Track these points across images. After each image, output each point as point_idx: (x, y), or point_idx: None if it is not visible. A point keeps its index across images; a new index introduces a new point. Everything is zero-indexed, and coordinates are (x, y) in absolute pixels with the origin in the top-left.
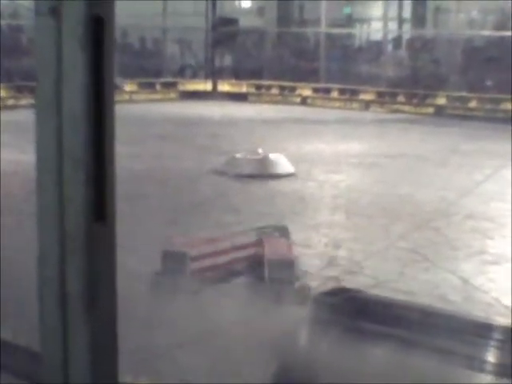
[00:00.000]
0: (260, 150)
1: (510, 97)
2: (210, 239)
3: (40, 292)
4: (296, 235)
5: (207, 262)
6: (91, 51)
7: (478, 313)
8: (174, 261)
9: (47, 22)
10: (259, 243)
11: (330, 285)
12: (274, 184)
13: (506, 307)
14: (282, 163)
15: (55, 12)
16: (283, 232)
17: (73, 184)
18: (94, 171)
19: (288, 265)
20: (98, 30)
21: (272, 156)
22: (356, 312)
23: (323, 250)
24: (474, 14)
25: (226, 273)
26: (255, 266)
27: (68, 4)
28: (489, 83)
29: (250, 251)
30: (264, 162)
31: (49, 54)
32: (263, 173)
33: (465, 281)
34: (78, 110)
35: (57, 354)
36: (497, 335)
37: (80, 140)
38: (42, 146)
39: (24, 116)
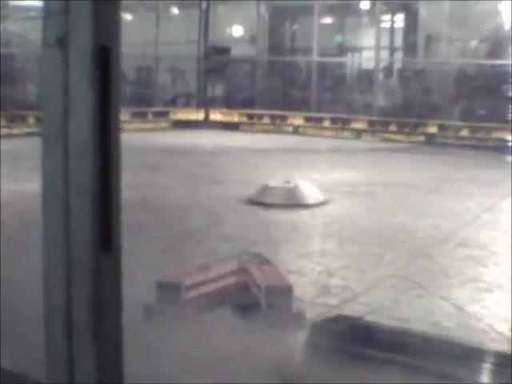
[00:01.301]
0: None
1: (501, 125)
2: (198, 267)
3: (46, 320)
4: (289, 264)
5: (200, 291)
6: (98, 81)
7: (473, 339)
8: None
9: (54, 52)
10: (244, 270)
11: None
12: (267, 212)
13: (500, 334)
14: (312, 192)
15: (62, 43)
16: (263, 259)
17: (79, 214)
18: (100, 201)
19: (285, 291)
20: (104, 60)
21: (301, 185)
22: (356, 338)
23: (316, 279)
24: (473, 43)
25: (219, 301)
26: (245, 292)
27: (75, 35)
28: (480, 112)
29: (238, 278)
30: (294, 191)
31: (55, 84)
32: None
33: (458, 308)
34: (85, 140)
35: (63, 381)
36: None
37: (87, 170)
38: (48, 176)
39: (16, 145)
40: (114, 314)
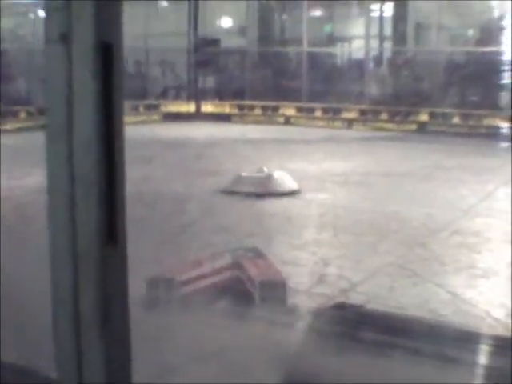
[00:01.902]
0: (265, 169)
1: (491, 112)
2: (192, 262)
3: (53, 313)
4: (284, 254)
5: (193, 286)
6: (101, 76)
7: (469, 325)
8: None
9: (57, 48)
10: (239, 265)
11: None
12: (260, 202)
13: (496, 319)
14: (286, 181)
15: (65, 39)
16: (257, 253)
17: (84, 207)
18: (104, 194)
19: (280, 285)
20: (107, 55)
21: (276, 174)
22: (360, 324)
23: (312, 268)
24: (462, 30)
25: (213, 296)
26: (239, 287)
27: (77, 30)
28: (471, 99)
29: (232, 273)
30: (268, 180)
31: (59, 79)
32: (268, 191)
33: (454, 295)
34: (89, 134)
35: (72, 374)
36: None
37: (91, 164)
38: (52, 170)
39: (9, 140)
40: (121, 306)
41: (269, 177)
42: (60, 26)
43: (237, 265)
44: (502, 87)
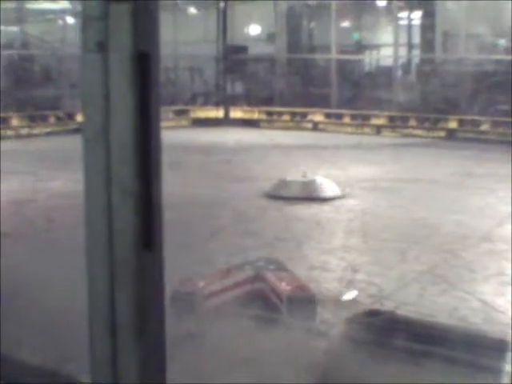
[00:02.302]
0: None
1: None
2: (214, 275)
3: (90, 320)
4: (314, 259)
5: (218, 300)
6: (138, 85)
7: (499, 333)
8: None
9: (94, 57)
10: (261, 277)
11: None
12: (292, 207)
13: None
14: (329, 186)
15: (102, 48)
16: (278, 264)
17: (122, 213)
18: (141, 201)
19: (309, 301)
20: (144, 65)
21: (319, 179)
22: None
23: (342, 274)
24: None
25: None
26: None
27: (115, 40)
28: (500, 107)
29: (254, 286)
30: (312, 185)
31: (96, 88)
32: (312, 196)
33: (484, 302)
34: (126, 142)
35: (107, 380)
36: None
37: (128, 171)
38: (90, 177)
39: (37, 145)
40: (157, 313)
41: (312, 182)
42: (97, 36)
43: (259, 277)
44: None
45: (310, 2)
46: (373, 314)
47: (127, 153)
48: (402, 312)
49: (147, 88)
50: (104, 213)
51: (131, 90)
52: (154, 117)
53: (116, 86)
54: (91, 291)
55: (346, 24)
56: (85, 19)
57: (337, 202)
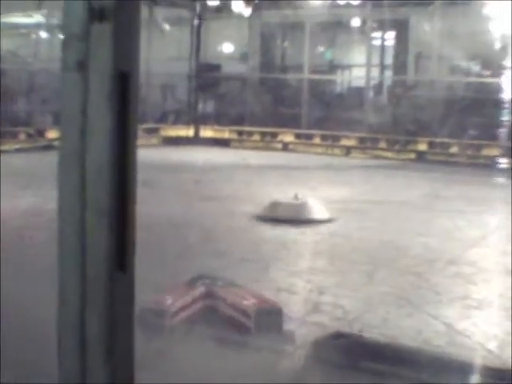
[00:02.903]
0: (299, 196)
1: (490, 143)
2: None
3: (59, 337)
4: (280, 282)
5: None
6: (116, 105)
7: (463, 357)
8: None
9: (74, 76)
10: (213, 294)
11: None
12: (260, 228)
13: (490, 351)
14: (319, 209)
15: (82, 67)
16: (226, 281)
17: (95, 233)
18: (116, 221)
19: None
20: (123, 84)
21: (310, 201)
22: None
23: (307, 296)
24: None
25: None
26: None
27: (95, 59)
28: (470, 130)
29: (207, 302)
30: (302, 207)
31: (74, 107)
32: (301, 218)
33: (448, 325)
34: (103, 162)
35: None
36: None
37: (103, 191)
38: (64, 195)
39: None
40: (127, 334)
41: (304, 204)
42: (78, 54)
43: (211, 294)
44: (501, 117)
45: (284, 22)
46: (339, 336)
47: (103, 172)
48: (367, 335)
49: (126, 108)
50: (77, 232)
51: (110, 110)
52: (132, 137)
53: (95, 106)
54: (61, 309)
55: (319, 44)
56: (65, 38)
57: (305, 224)
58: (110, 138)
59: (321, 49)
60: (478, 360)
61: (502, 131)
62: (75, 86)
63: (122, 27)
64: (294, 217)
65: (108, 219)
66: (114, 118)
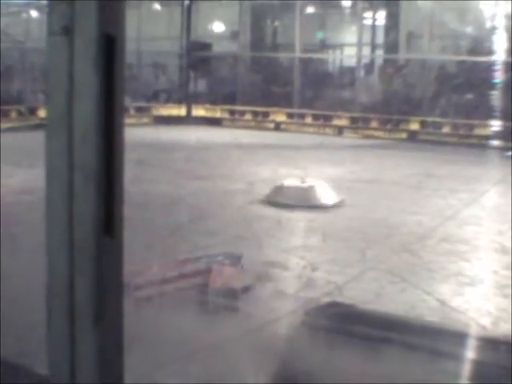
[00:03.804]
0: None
1: (482, 122)
2: (160, 266)
3: (48, 303)
4: (272, 258)
5: (152, 291)
6: (103, 69)
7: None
8: None
9: (59, 40)
10: (208, 271)
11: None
12: (255, 207)
13: (483, 327)
14: (328, 193)
15: (67, 31)
16: (235, 260)
17: (83, 198)
18: (103, 186)
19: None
20: (109, 48)
21: (318, 185)
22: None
23: (301, 272)
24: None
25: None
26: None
27: (80, 23)
28: (461, 109)
29: (198, 280)
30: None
31: (61, 71)
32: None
33: (442, 302)
34: (89, 126)
35: (64, 365)
36: None
37: (90, 155)
38: (52, 161)
39: None
40: (116, 298)
41: (311, 188)
42: (63, 19)
43: (207, 271)
44: (492, 93)
45: (274, 1)
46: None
47: (90, 137)
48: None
49: (112, 71)
50: (65, 197)
51: (96, 74)
52: (118, 100)
53: (81, 70)
54: (50, 276)
55: (310, 23)
56: (51, 2)
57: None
58: (96, 102)
59: (312, 28)
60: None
61: (494, 110)
62: (61, 50)
63: None
64: (301, 202)
65: (95, 184)
66: (100, 82)
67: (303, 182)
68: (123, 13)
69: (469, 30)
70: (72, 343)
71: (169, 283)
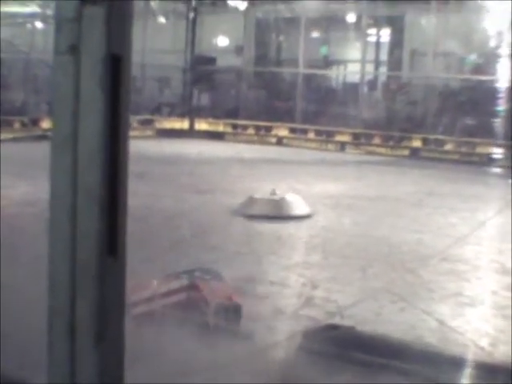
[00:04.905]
0: (277, 191)
1: (484, 140)
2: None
3: (49, 322)
4: (273, 275)
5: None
6: (109, 89)
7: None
8: None
9: (66, 59)
10: (194, 286)
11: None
12: (252, 223)
13: (482, 348)
14: (299, 204)
15: (74, 50)
16: (215, 275)
17: (86, 218)
18: (107, 206)
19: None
20: (115, 68)
21: (289, 197)
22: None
23: (300, 290)
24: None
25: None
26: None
27: (87, 42)
28: (464, 127)
29: (187, 295)
30: (281, 203)
31: (67, 90)
32: (280, 214)
33: (441, 322)
34: (95, 146)
35: None
36: None
37: (95, 175)
38: (56, 180)
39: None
40: (118, 319)
41: (282, 200)
42: (70, 38)
43: (193, 287)
44: (495, 115)
45: (279, 16)
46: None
47: (95, 157)
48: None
49: (118, 91)
50: (68, 217)
51: (102, 94)
52: (124, 121)
53: (87, 89)
54: (52, 294)
55: (314, 38)
56: (58, 21)
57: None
58: (102, 122)
59: (316, 44)
60: (470, 356)
61: (497, 129)
62: (67, 69)
63: (114, 10)
64: (272, 213)
65: (99, 204)
66: (106, 102)
67: (273, 194)
68: (130, 33)
69: (473, 48)
70: (72, 363)
71: (160, 299)
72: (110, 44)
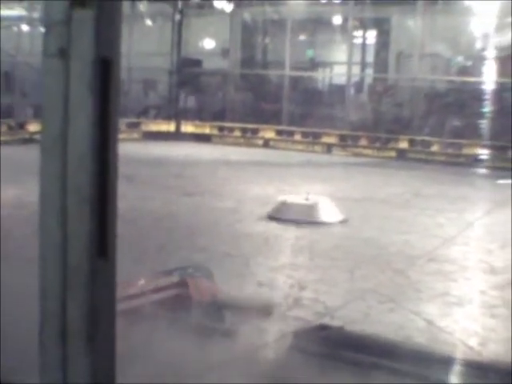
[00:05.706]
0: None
1: (470, 142)
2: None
3: (40, 326)
4: (261, 275)
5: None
6: (98, 92)
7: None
8: None
9: (55, 62)
10: (183, 284)
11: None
12: (243, 224)
13: (471, 348)
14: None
15: (63, 53)
16: (206, 272)
17: (76, 220)
18: (97, 207)
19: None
20: (105, 71)
21: (322, 202)
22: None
23: (288, 292)
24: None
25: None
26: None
27: (76, 45)
28: (450, 128)
29: (174, 292)
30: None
31: (56, 93)
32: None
33: (429, 322)
34: (84, 149)
35: None
36: None
37: (85, 178)
38: (46, 183)
39: None
40: (109, 320)
41: (314, 205)
42: (59, 41)
43: (181, 284)
44: (482, 117)
45: (265, 18)
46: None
47: (84, 160)
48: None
49: (107, 94)
50: (58, 219)
51: (91, 97)
52: (113, 124)
53: (76, 92)
54: (42, 296)
55: (300, 40)
56: (47, 23)
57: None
58: (91, 125)
59: (302, 46)
60: (459, 355)
61: (483, 130)
62: (56, 72)
63: (104, 13)
64: (303, 219)
65: (89, 206)
66: (95, 105)
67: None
68: (119, 36)
69: (459, 50)
70: (64, 364)
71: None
72: (99, 47)
